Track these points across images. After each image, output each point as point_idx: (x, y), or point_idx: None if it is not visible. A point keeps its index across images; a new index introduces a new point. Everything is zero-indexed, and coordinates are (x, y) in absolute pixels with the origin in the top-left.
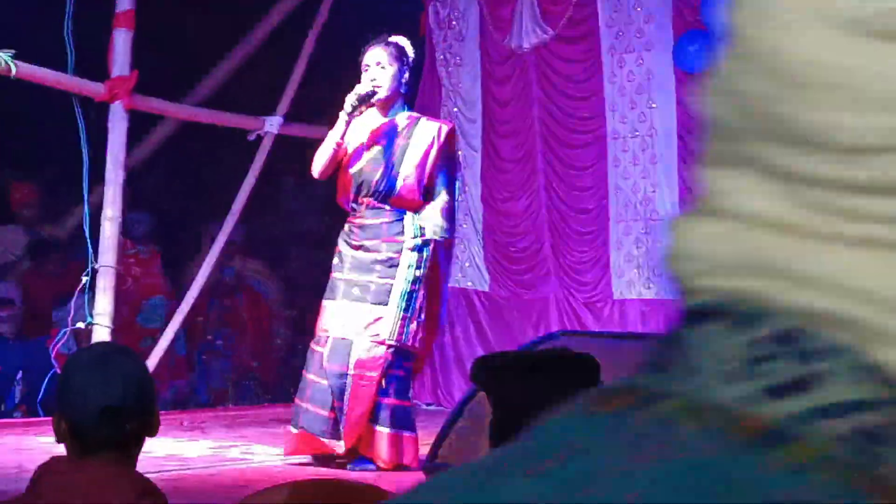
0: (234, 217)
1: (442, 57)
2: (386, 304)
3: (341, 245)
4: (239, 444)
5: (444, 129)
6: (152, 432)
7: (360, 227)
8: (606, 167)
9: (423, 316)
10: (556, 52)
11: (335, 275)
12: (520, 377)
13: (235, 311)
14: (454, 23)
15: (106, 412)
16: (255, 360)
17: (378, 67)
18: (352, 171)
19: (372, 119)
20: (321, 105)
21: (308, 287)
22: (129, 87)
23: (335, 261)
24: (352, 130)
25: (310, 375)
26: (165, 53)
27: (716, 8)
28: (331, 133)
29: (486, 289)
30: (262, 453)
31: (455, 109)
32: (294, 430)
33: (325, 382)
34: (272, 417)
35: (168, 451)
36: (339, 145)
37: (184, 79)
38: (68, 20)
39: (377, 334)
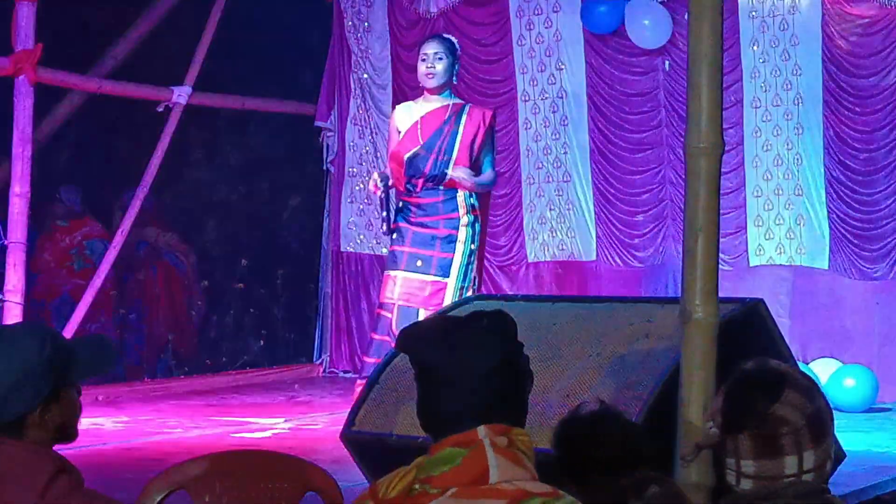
0: (145, 189)
1: (350, 23)
2: (447, 277)
3: (401, 222)
4: (154, 418)
5: (488, 115)
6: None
7: (418, 206)
8: (518, 129)
9: (476, 284)
10: (464, 16)
11: (396, 247)
12: (438, 342)
13: (149, 284)
14: None
15: None
16: (169, 332)
17: (436, 58)
18: (406, 156)
19: (423, 105)
20: (229, 74)
21: (222, 258)
22: (34, 61)
23: (394, 236)
24: (405, 114)
25: (378, 336)
26: (70, 25)
27: None
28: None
29: None
30: (178, 426)
31: (365, 76)
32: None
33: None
34: (188, 390)
35: (83, 427)
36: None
37: (89, 51)
38: None
39: (440, 303)
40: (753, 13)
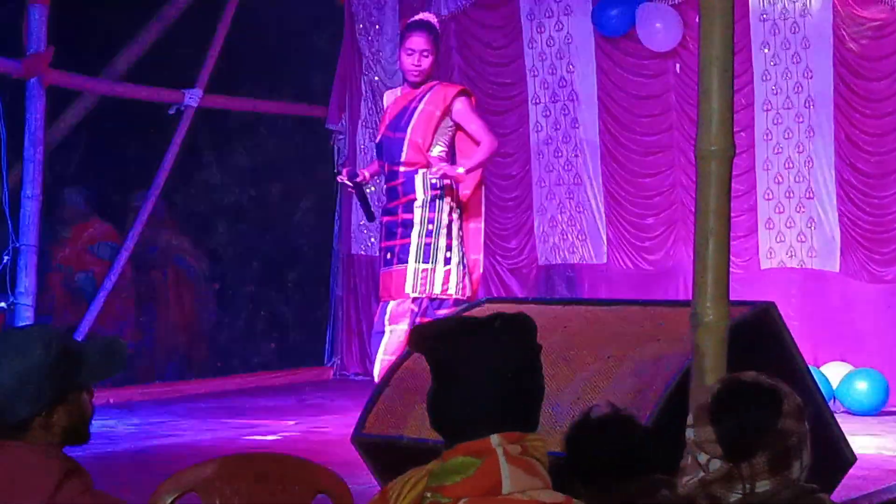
0: (156, 192)
1: (361, 25)
2: (406, 262)
3: (382, 215)
4: (166, 420)
5: (451, 91)
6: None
7: (387, 190)
8: (528, 132)
9: (450, 263)
10: (475, 19)
11: (380, 244)
12: (456, 341)
13: (160, 287)
14: None
15: None
16: (180, 335)
17: (423, 56)
18: (376, 142)
19: (404, 90)
20: (240, 77)
21: (233, 261)
22: (46, 64)
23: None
24: (388, 100)
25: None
26: (82, 28)
27: None
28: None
29: None
30: (189, 429)
31: (376, 78)
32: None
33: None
34: (199, 392)
35: (95, 430)
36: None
37: (101, 53)
38: None
39: (400, 289)
40: (764, 16)
